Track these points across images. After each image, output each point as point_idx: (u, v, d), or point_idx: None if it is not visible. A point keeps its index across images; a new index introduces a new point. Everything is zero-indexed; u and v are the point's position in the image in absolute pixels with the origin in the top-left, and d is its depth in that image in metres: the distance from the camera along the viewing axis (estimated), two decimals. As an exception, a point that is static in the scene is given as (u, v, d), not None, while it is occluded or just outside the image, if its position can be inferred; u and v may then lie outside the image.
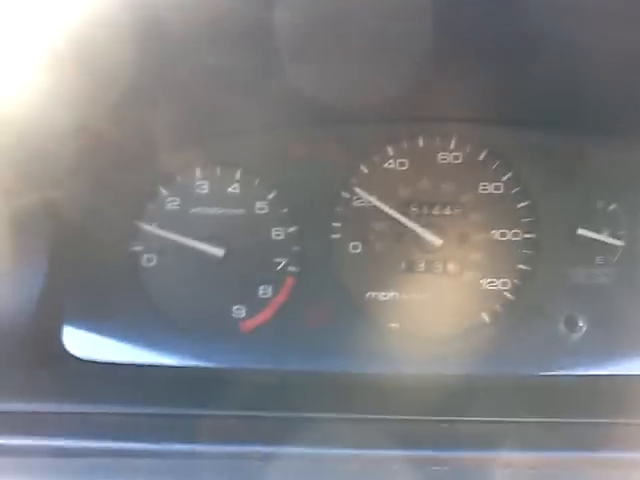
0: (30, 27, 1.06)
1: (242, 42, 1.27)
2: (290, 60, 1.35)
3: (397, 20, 1.22)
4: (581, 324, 1.69)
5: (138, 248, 1.79)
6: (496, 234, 1.77)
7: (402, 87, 1.54)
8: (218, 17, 1.16)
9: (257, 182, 1.79)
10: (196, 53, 1.29)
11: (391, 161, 1.79)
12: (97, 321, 1.69)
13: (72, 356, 1.59)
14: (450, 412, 1.43)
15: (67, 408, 1.34)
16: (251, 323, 1.77)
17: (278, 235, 1.79)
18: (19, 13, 1.03)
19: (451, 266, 1.77)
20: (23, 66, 1.14)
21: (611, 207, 1.75)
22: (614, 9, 1.14)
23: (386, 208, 1.76)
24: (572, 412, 1.43)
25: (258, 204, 1.79)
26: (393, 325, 1.78)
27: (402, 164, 1.79)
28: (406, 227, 1.75)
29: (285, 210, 1.78)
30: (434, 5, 1.13)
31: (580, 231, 1.74)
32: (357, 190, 1.78)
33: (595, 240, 1.74)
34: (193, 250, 1.76)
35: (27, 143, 1.35)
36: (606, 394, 1.53)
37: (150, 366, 1.65)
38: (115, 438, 1.22)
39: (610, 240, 1.74)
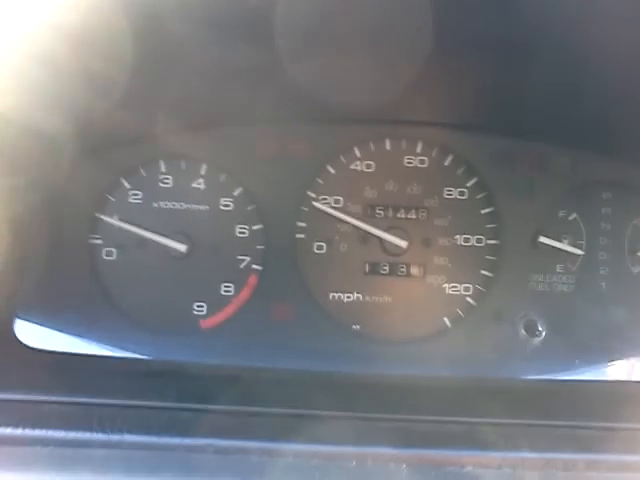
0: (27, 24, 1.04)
1: (217, 37, 1.26)
2: (267, 57, 1.34)
3: (373, 23, 1.23)
4: (540, 329, 1.71)
5: (98, 241, 1.75)
6: (460, 239, 1.79)
7: (372, 89, 1.55)
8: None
9: (222, 178, 1.77)
10: (172, 46, 1.27)
11: (358, 162, 1.79)
12: (52, 312, 1.64)
13: (24, 345, 1.53)
14: (407, 411, 1.43)
15: (16, 396, 1.29)
16: (212, 321, 1.75)
17: (242, 232, 1.77)
18: (18, 12, 1.02)
19: (415, 269, 1.78)
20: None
21: (572, 217, 1.79)
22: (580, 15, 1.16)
23: (343, 215, 1.77)
24: (530, 415, 1.44)
25: (223, 200, 1.77)
26: (355, 327, 1.77)
27: (369, 166, 1.79)
28: (371, 227, 1.76)
29: (250, 208, 1.76)
30: (409, 11, 1.14)
31: (542, 239, 1.76)
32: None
33: (556, 248, 1.77)
34: (155, 245, 1.73)
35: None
36: (564, 398, 1.55)
37: (104, 357, 1.61)
38: (66, 427, 1.18)
39: (570, 249, 1.77)
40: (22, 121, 1.35)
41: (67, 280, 1.71)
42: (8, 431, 1.19)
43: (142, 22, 1.14)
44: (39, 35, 1.10)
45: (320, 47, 1.36)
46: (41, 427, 1.18)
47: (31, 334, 1.57)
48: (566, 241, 1.78)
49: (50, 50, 1.14)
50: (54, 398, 1.32)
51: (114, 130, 1.68)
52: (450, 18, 1.18)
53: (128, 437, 1.17)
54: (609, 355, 1.70)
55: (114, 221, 1.74)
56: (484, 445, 1.32)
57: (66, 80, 1.27)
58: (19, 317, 1.59)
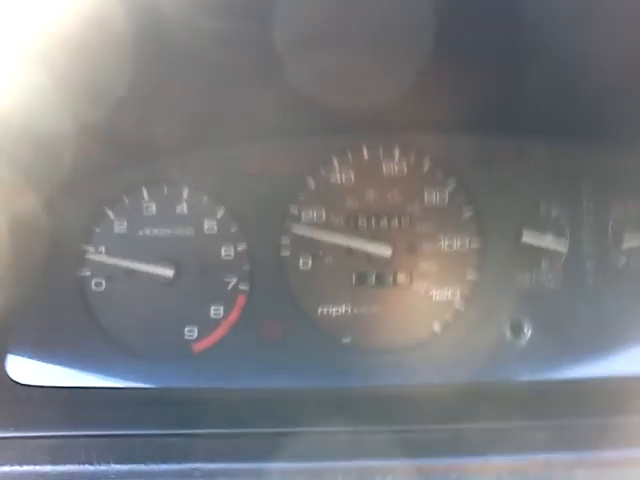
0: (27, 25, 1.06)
1: (210, 59, 1.27)
2: (244, 68, 1.35)
3: (350, 32, 1.23)
4: (526, 330, 1.71)
5: (86, 273, 1.77)
6: (444, 244, 1.79)
7: (345, 98, 1.56)
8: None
9: (205, 200, 1.78)
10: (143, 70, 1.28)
11: (337, 174, 1.80)
12: (44, 347, 1.66)
13: (14, 382, 1.55)
14: (403, 422, 1.44)
15: (7, 434, 1.30)
16: (203, 344, 1.76)
17: (228, 254, 1.78)
18: (19, 13, 1.03)
19: (401, 277, 1.78)
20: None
21: (554, 213, 1.79)
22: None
23: (324, 235, 1.78)
24: (520, 416, 1.45)
25: (207, 223, 1.79)
26: (346, 340, 1.78)
27: (348, 176, 1.80)
28: (354, 240, 1.77)
29: (234, 229, 1.78)
30: (390, 18, 1.15)
31: (525, 238, 1.76)
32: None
33: (540, 246, 1.77)
34: (142, 273, 1.75)
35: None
36: (554, 397, 1.55)
37: (95, 388, 1.62)
38: (53, 462, 1.19)
39: (554, 246, 1.77)
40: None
41: (58, 313, 1.73)
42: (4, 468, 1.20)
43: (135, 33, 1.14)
44: (38, 39, 1.10)
45: (312, 55, 1.35)
46: (29, 463, 1.19)
47: (22, 370, 1.58)
48: (550, 238, 1.78)
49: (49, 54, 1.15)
50: (43, 433, 1.33)
51: (96, 159, 1.70)
52: (429, 21, 1.19)
53: (115, 467, 1.18)
54: (599, 351, 1.70)
55: (100, 257, 1.76)
56: (481, 450, 1.32)
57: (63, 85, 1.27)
58: (11, 353, 1.61)
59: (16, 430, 1.33)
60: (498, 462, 1.31)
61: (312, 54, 1.32)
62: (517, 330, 1.71)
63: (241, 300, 1.77)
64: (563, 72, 1.41)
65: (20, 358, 1.62)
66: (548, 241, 1.77)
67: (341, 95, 1.55)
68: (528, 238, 1.76)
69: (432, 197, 1.79)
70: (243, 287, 1.77)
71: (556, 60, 1.35)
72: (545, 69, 1.40)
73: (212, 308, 1.77)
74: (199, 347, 1.76)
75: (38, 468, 1.18)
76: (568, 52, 1.32)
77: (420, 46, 1.27)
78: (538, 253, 1.77)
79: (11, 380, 1.54)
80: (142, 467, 1.18)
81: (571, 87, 1.49)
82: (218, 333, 1.76)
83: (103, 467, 1.18)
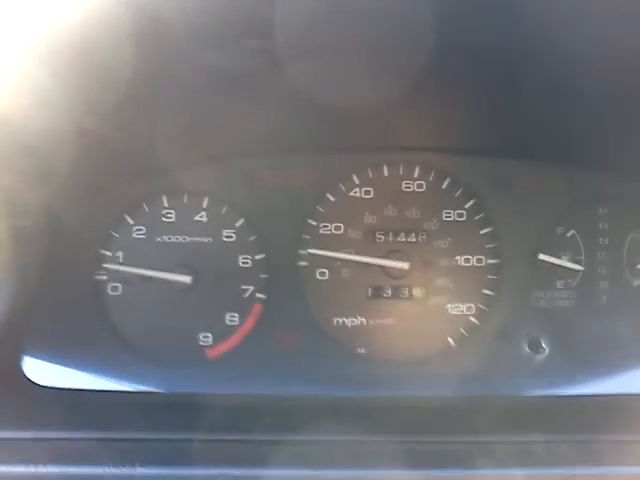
0: (28, 27, 1.06)
1: (220, 68, 1.28)
2: (267, 85, 1.37)
3: (369, 49, 1.26)
4: (544, 346, 1.72)
5: (103, 277, 1.77)
6: (460, 260, 1.81)
7: (370, 116, 1.58)
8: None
9: (224, 210, 1.80)
10: (166, 74, 1.30)
11: (357, 189, 1.82)
12: (60, 349, 1.66)
13: (33, 383, 1.55)
14: (418, 433, 1.44)
15: (27, 434, 1.30)
16: (218, 350, 1.76)
17: (245, 262, 1.79)
18: (18, 13, 1.04)
19: (417, 291, 1.80)
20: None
21: (569, 233, 1.81)
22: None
23: (342, 255, 1.80)
24: (538, 431, 1.45)
25: (225, 232, 1.80)
26: (360, 350, 1.79)
27: (367, 192, 1.82)
28: (372, 252, 1.78)
29: (252, 238, 1.79)
30: (411, 34, 1.17)
31: (541, 256, 1.79)
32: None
33: (556, 265, 1.79)
34: (160, 279, 1.75)
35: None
36: (571, 413, 1.56)
37: (114, 392, 1.62)
38: (78, 463, 1.20)
39: (570, 265, 1.80)
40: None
41: (74, 316, 1.73)
42: (21, 469, 1.21)
43: (143, 36, 1.15)
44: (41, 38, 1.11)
45: (312, 65, 1.37)
46: (55, 464, 1.20)
47: (40, 372, 1.58)
48: (565, 257, 1.80)
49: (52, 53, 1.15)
50: (66, 435, 1.33)
51: (117, 166, 1.72)
52: (445, 33, 1.21)
53: (140, 470, 1.19)
54: (613, 368, 1.71)
55: (116, 266, 1.76)
56: (493, 464, 1.33)
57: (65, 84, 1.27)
58: (27, 355, 1.61)
59: (39, 431, 1.33)
60: (512, 476, 1.31)
61: (323, 65, 1.34)
62: (535, 346, 1.72)
63: (257, 308, 1.78)
64: (581, 99, 1.44)
65: (37, 360, 1.61)
66: (564, 260, 1.79)
67: (357, 110, 1.57)
68: (544, 256, 1.78)
69: (450, 215, 1.82)
70: (259, 295, 1.78)
71: (574, 87, 1.38)
72: (563, 97, 1.43)
73: (228, 315, 1.78)
74: (213, 353, 1.76)
75: (64, 469, 1.18)
76: (586, 79, 1.34)
77: (436, 63, 1.30)
78: (554, 271, 1.79)
79: (29, 380, 1.54)
80: (167, 471, 1.18)
81: (588, 115, 1.52)
82: (233, 340, 1.77)
83: (128, 470, 1.18)
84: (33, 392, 1.53)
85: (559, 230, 1.81)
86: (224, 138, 1.70)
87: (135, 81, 1.23)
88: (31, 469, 1.19)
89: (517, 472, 1.31)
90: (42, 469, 1.20)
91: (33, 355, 1.62)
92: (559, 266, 1.79)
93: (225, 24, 1.13)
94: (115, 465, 1.20)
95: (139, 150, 1.62)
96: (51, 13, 1.03)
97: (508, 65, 1.30)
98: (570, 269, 1.79)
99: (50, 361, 1.64)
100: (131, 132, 1.50)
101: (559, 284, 1.80)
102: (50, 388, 1.55)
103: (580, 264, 1.80)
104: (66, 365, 1.66)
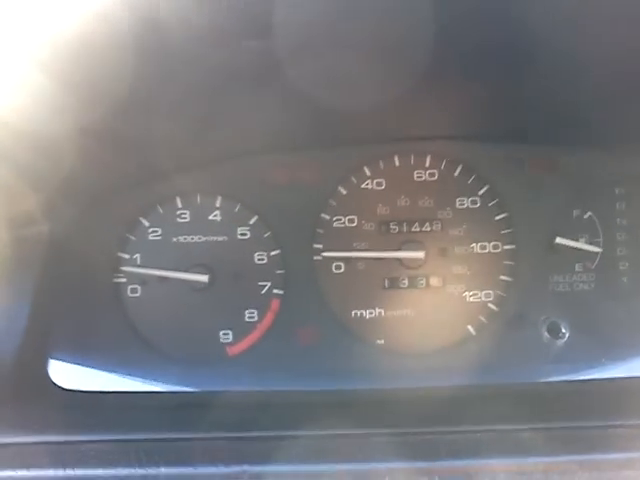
0: (28, 30, 1.07)
1: (227, 68, 1.28)
2: (274, 84, 1.37)
3: (382, 39, 1.24)
4: (564, 330, 1.71)
5: (122, 280, 1.79)
6: (476, 247, 1.80)
7: (379, 107, 1.57)
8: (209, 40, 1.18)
9: (237, 208, 1.81)
10: (173, 76, 1.30)
11: (368, 181, 1.81)
12: (83, 352, 1.68)
13: (58, 387, 1.58)
14: (440, 423, 1.44)
15: (55, 438, 1.33)
16: (238, 347, 1.78)
17: (261, 259, 1.80)
18: (19, 15, 1.04)
19: (434, 281, 1.79)
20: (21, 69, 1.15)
21: (586, 215, 1.79)
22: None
23: (356, 254, 1.80)
24: (561, 417, 1.44)
25: (240, 230, 1.81)
26: (380, 342, 1.79)
27: (379, 184, 1.81)
28: (387, 243, 1.78)
29: (267, 234, 1.80)
30: (417, 25, 1.16)
31: (558, 240, 1.77)
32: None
33: (573, 248, 1.77)
34: (177, 279, 1.77)
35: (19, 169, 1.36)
36: (593, 397, 1.55)
37: (138, 393, 1.64)
38: (105, 465, 1.22)
39: (588, 247, 1.78)
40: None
41: (96, 319, 1.75)
42: (50, 473, 1.23)
43: (146, 37, 1.15)
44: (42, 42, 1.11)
45: (319, 62, 1.36)
46: (81, 467, 1.22)
47: (65, 375, 1.61)
48: (583, 240, 1.78)
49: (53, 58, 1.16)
50: (92, 437, 1.36)
51: (129, 170, 1.73)
52: (450, 26, 1.20)
53: (165, 470, 1.20)
54: (636, 350, 1.69)
55: (135, 269, 1.78)
56: (517, 452, 1.33)
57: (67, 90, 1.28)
58: (52, 359, 1.64)
59: (65, 435, 1.35)
60: (536, 463, 1.31)
61: (325, 61, 1.34)
62: (555, 331, 1.71)
63: (275, 304, 1.79)
64: (594, 79, 1.41)
65: (61, 363, 1.64)
66: (582, 243, 1.77)
67: (365, 103, 1.56)
68: (561, 240, 1.76)
69: (464, 202, 1.80)
70: (277, 291, 1.79)
71: (587, 68, 1.35)
72: (576, 78, 1.40)
73: (247, 312, 1.79)
74: (234, 350, 1.78)
75: (91, 472, 1.20)
76: (599, 58, 1.32)
77: (442, 54, 1.28)
78: (572, 254, 1.77)
79: (54, 384, 1.57)
80: (191, 470, 1.20)
81: (602, 95, 1.49)
82: (253, 337, 1.78)
83: (152, 470, 1.19)
84: (59, 396, 1.56)
85: (575, 213, 1.79)
86: (232, 137, 1.70)
87: (137, 83, 1.24)
88: (59, 472, 1.21)
89: (540, 459, 1.30)
90: (70, 472, 1.22)
91: (58, 359, 1.65)
92: (577, 249, 1.77)
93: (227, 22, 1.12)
94: (140, 466, 1.21)
95: (149, 154, 1.62)
96: (51, 15, 1.04)
97: (518, 49, 1.29)
98: (588, 252, 1.78)
99: (74, 364, 1.67)
100: (139, 135, 1.51)
101: (577, 267, 1.79)
102: (75, 391, 1.58)
103: (598, 246, 1.78)
104: (90, 367, 1.68)
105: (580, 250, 1.77)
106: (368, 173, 1.81)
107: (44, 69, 1.14)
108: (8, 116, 1.22)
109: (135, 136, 1.50)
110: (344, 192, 1.81)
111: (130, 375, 1.69)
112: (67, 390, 1.58)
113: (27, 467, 1.24)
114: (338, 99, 1.50)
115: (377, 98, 1.50)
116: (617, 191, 1.80)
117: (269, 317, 1.79)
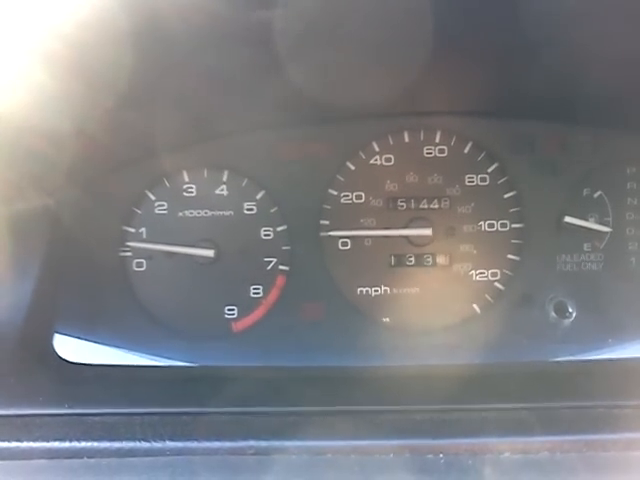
0: (27, 29, 1.06)
1: (234, 43, 1.27)
2: (281, 61, 1.35)
3: (389, 19, 1.22)
4: (571, 310, 1.70)
5: (128, 253, 1.79)
6: (484, 225, 1.79)
7: (388, 82, 1.55)
8: (214, 18, 1.16)
9: (244, 183, 1.79)
10: (187, 55, 1.28)
11: (377, 157, 1.79)
12: (89, 326, 1.69)
13: (63, 360, 1.58)
14: (445, 401, 1.44)
15: (60, 410, 1.34)
16: (243, 323, 1.78)
17: (267, 235, 1.79)
18: (17, 15, 1.03)
19: (441, 259, 1.78)
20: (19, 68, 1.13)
21: (596, 194, 1.77)
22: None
23: (364, 232, 1.79)
24: (566, 397, 1.44)
25: (246, 205, 1.79)
26: (385, 319, 1.79)
27: (388, 159, 1.79)
28: (394, 220, 1.76)
29: (274, 210, 1.79)
30: (429, 4, 1.14)
31: (567, 219, 1.75)
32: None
33: (582, 227, 1.75)
34: (183, 254, 1.76)
35: (23, 145, 1.35)
36: (599, 377, 1.55)
37: (142, 367, 1.65)
38: (110, 438, 1.22)
39: (597, 227, 1.76)
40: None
41: (101, 293, 1.75)
42: (56, 444, 1.24)
43: (148, 24, 1.13)
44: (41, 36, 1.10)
45: (323, 46, 1.35)
46: (87, 439, 1.22)
47: (70, 349, 1.62)
48: (592, 219, 1.77)
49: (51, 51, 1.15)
50: (97, 410, 1.36)
51: (136, 143, 1.71)
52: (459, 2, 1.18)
53: (170, 444, 1.21)
54: (643, 330, 1.69)
55: (141, 243, 1.78)
56: (522, 431, 1.33)
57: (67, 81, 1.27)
58: (58, 332, 1.64)
59: (70, 407, 1.36)
60: (544, 442, 1.31)
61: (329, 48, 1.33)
62: (561, 311, 1.70)
63: (280, 280, 1.78)
64: (605, 58, 1.39)
65: (66, 337, 1.65)
66: (591, 222, 1.75)
67: (372, 85, 1.55)
68: (570, 219, 1.75)
69: (473, 179, 1.79)
70: (283, 267, 1.78)
71: (598, 46, 1.33)
72: (587, 57, 1.38)
73: (252, 288, 1.79)
74: (239, 326, 1.78)
75: (96, 444, 1.21)
76: (610, 36, 1.30)
77: (461, 37, 1.27)
78: (580, 233, 1.76)
79: (60, 358, 1.58)
80: (196, 444, 1.21)
81: (613, 73, 1.47)
82: (258, 312, 1.78)
83: (157, 444, 1.20)
84: (64, 369, 1.56)
85: (585, 192, 1.77)
86: (240, 112, 1.68)
87: (142, 63, 1.23)
88: (65, 444, 1.22)
89: (545, 438, 1.30)
90: (76, 444, 1.22)
91: (63, 333, 1.66)
92: (586, 228, 1.75)
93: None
94: (145, 439, 1.22)
95: (156, 127, 1.60)
96: (50, 13, 1.03)
97: (528, 26, 1.26)
98: (597, 231, 1.76)
99: (79, 338, 1.68)
100: (147, 110, 1.49)
101: (586, 247, 1.77)
102: (80, 364, 1.59)
103: (608, 226, 1.76)
104: (95, 341, 1.69)
105: (589, 230, 1.76)
106: (377, 149, 1.79)
107: (45, 59, 1.13)
108: (10, 105, 1.21)
109: (142, 113, 1.49)
110: (352, 167, 1.79)
111: (135, 349, 1.70)
112: (72, 363, 1.59)
113: (33, 439, 1.25)
114: (347, 73, 1.49)
115: (387, 72, 1.49)
116: (628, 171, 1.78)
117: (274, 293, 1.78)
